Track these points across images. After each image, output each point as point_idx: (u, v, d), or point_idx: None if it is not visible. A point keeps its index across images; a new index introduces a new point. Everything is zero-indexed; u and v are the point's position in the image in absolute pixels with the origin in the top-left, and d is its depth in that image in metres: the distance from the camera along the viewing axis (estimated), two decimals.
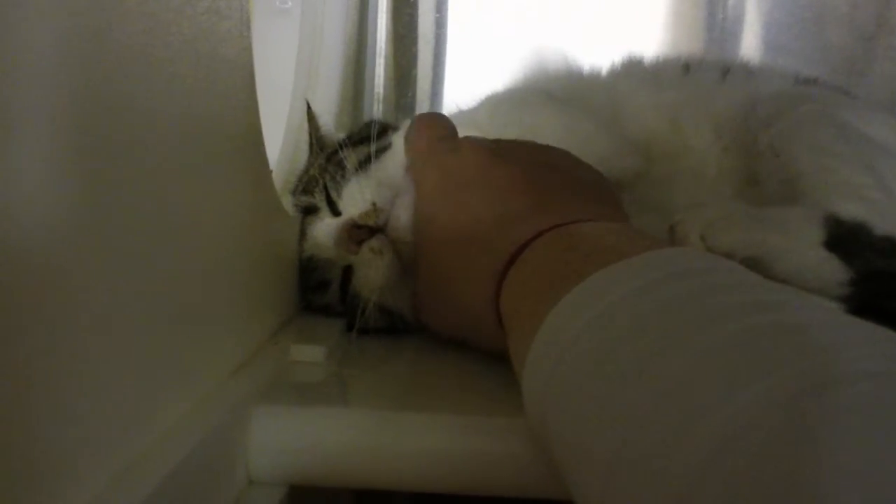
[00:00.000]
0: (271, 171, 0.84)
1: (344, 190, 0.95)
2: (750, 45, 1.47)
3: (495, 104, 1.14)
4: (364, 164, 0.96)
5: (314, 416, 0.67)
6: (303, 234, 0.95)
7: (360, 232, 0.90)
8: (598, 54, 1.22)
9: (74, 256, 0.42)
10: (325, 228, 0.94)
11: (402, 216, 0.90)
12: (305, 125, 1.05)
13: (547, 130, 1.04)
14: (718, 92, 1.13)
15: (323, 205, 0.95)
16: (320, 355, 0.79)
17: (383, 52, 1.47)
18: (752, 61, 1.32)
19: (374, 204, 0.91)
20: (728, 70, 1.16)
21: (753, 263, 0.81)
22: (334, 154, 0.99)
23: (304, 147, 1.05)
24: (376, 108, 1.47)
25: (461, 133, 1.05)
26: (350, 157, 0.96)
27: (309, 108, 1.01)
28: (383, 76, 1.47)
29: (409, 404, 0.75)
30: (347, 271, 0.93)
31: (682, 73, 1.17)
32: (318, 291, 0.95)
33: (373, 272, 0.91)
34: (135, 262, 0.49)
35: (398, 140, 0.96)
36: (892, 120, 1.18)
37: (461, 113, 1.20)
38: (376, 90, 1.47)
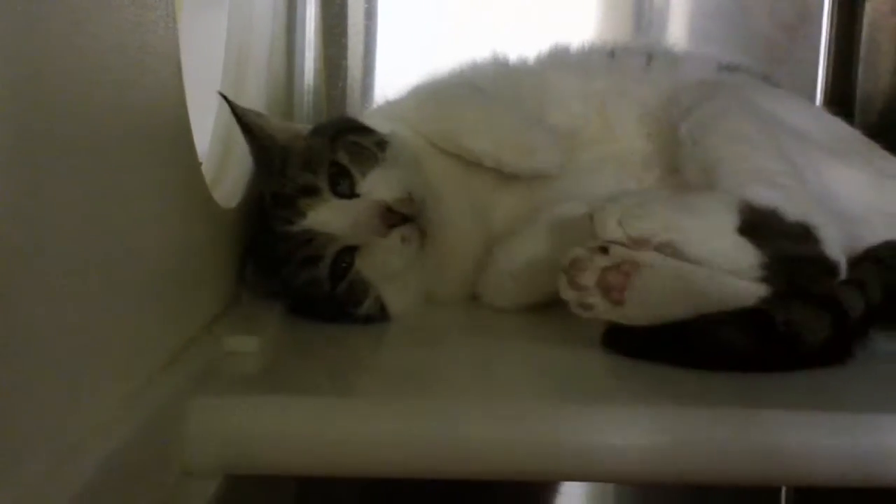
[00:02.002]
0: (201, 164, 0.84)
1: (371, 174, 0.97)
2: (676, 33, 1.50)
3: (422, 96, 1.15)
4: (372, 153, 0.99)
5: (248, 406, 0.67)
6: (289, 208, 0.96)
7: (393, 216, 0.94)
8: (528, 43, 1.23)
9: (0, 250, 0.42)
10: (343, 206, 0.95)
11: (437, 214, 0.98)
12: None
13: (471, 124, 1.05)
14: (644, 79, 1.15)
15: (325, 185, 0.96)
16: (254, 345, 0.79)
17: (313, 44, 1.46)
18: (676, 48, 1.34)
19: (410, 193, 0.95)
20: (652, 57, 1.18)
21: (669, 248, 0.84)
22: (339, 137, 1.00)
23: (237, 140, 1.04)
24: (307, 100, 1.46)
25: (389, 124, 1.06)
26: (367, 143, 1.00)
27: (228, 101, 1.01)
28: (313, 68, 1.47)
29: (344, 391, 0.76)
30: (344, 252, 0.95)
31: (607, 61, 1.18)
32: (304, 266, 0.95)
33: (395, 258, 0.96)
34: (63, 255, 0.49)
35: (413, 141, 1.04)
36: (809, 107, 1.21)
37: (389, 104, 1.21)
38: (307, 82, 1.46)
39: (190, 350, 0.74)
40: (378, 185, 0.97)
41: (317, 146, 1.00)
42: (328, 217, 0.95)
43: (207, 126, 1.08)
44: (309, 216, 0.95)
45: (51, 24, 0.47)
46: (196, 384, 0.68)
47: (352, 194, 0.97)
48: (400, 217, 0.95)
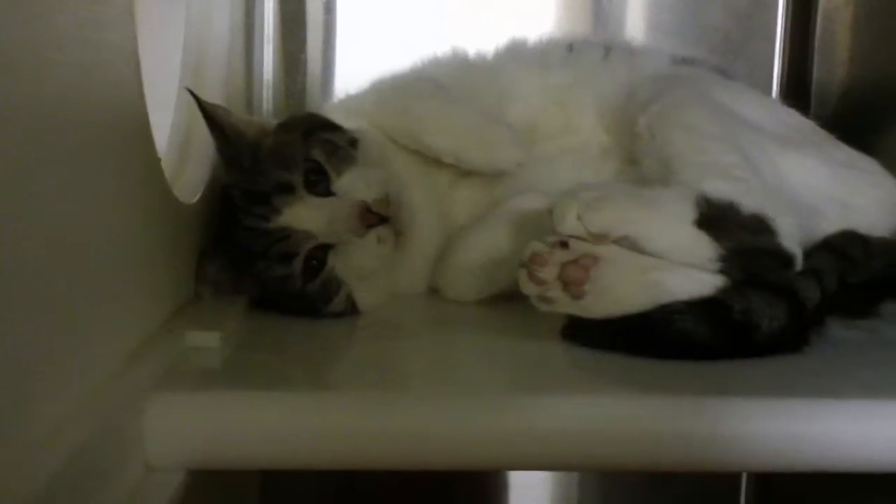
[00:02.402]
0: (160, 159, 0.84)
1: (347, 173, 0.98)
2: (634, 27, 1.51)
3: (382, 92, 1.16)
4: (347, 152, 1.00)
5: (210, 401, 0.68)
6: (264, 205, 0.96)
7: (371, 217, 0.95)
8: (487, 37, 1.23)
9: None
10: (320, 204, 0.96)
11: (411, 214, 1.00)
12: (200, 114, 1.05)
13: (431, 121, 1.06)
14: (601, 72, 1.16)
15: (300, 182, 0.96)
16: (216, 341, 0.79)
17: (272, 38, 1.46)
18: (633, 42, 1.35)
19: (387, 194, 0.97)
20: (610, 50, 1.19)
21: (628, 242, 0.84)
22: (313, 134, 1.00)
23: (197, 134, 1.04)
24: (266, 95, 1.46)
25: (349, 119, 1.06)
26: (340, 142, 1.00)
27: (195, 96, 1.01)
28: (272, 62, 1.46)
29: (307, 385, 0.76)
30: (317, 249, 0.96)
31: (565, 55, 1.19)
32: (278, 263, 0.96)
33: (370, 259, 0.98)
34: (18, 249, 0.49)
35: (383, 143, 1.05)
36: (764, 99, 1.23)
37: (349, 99, 1.21)
38: (266, 76, 1.45)
39: (151, 346, 0.74)
40: (356, 185, 0.98)
41: (290, 143, 1.00)
42: (305, 215, 0.95)
43: (166, 121, 1.07)
44: (285, 213, 0.95)
45: (4, 17, 0.46)
46: (158, 380, 0.68)
47: (327, 192, 0.97)
48: (378, 218, 0.96)
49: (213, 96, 1.08)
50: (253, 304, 0.97)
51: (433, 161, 1.07)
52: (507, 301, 0.98)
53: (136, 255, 0.72)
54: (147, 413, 0.64)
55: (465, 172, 1.09)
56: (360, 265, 0.98)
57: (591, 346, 0.84)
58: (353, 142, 1.02)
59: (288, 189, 0.96)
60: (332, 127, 1.04)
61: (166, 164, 0.93)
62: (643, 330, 0.82)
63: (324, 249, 0.96)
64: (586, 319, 0.84)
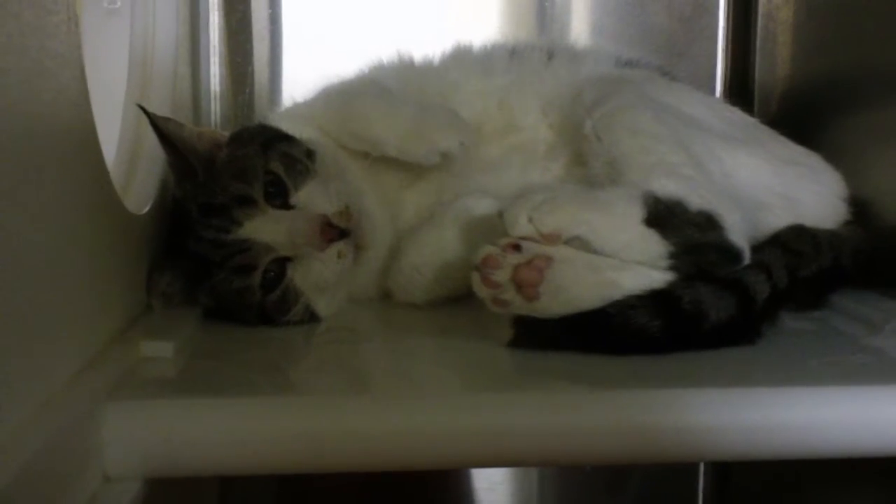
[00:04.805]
0: (108, 170, 0.83)
1: (306, 186, 0.98)
2: (578, 30, 1.52)
3: (329, 98, 1.16)
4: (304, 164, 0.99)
5: (166, 409, 0.67)
6: (223, 217, 0.95)
7: (332, 231, 0.95)
8: (432, 43, 1.24)
9: None
10: (281, 217, 0.96)
11: (371, 226, 1.00)
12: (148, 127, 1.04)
13: (374, 118, 1.06)
14: (545, 74, 1.17)
15: (260, 195, 0.96)
16: (170, 350, 0.79)
17: (218, 50, 1.45)
18: (577, 44, 1.37)
19: (347, 207, 0.97)
20: (553, 53, 1.20)
21: (579, 242, 0.85)
22: (270, 146, 1.00)
23: (146, 145, 1.03)
24: (214, 106, 1.45)
25: (298, 127, 1.06)
26: (298, 154, 1.00)
27: (146, 111, 1.00)
28: (219, 73, 1.46)
29: (262, 392, 0.76)
30: (274, 262, 0.96)
31: (508, 58, 1.20)
32: (237, 274, 0.95)
33: (328, 272, 0.97)
34: None
35: (335, 151, 1.05)
36: (708, 99, 1.24)
37: (297, 107, 1.21)
38: (213, 88, 1.45)
39: (104, 356, 0.73)
40: (316, 198, 0.98)
41: (248, 156, 0.99)
42: (266, 227, 0.95)
43: (114, 133, 1.07)
44: (246, 225, 0.95)
45: None
46: (112, 389, 0.68)
47: (286, 206, 0.97)
48: (338, 232, 0.96)
49: (160, 108, 1.07)
50: (207, 315, 0.97)
51: (382, 165, 1.08)
52: (456, 304, 1.00)
53: (85, 265, 0.72)
54: (103, 423, 0.64)
55: (414, 175, 1.09)
56: (319, 278, 0.97)
57: (543, 347, 0.84)
58: (310, 153, 1.02)
59: (248, 201, 0.96)
60: (288, 139, 1.04)
61: (115, 176, 0.93)
62: (598, 327, 0.83)
63: (282, 262, 0.96)
64: (533, 325, 0.84)
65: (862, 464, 0.77)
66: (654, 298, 0.83)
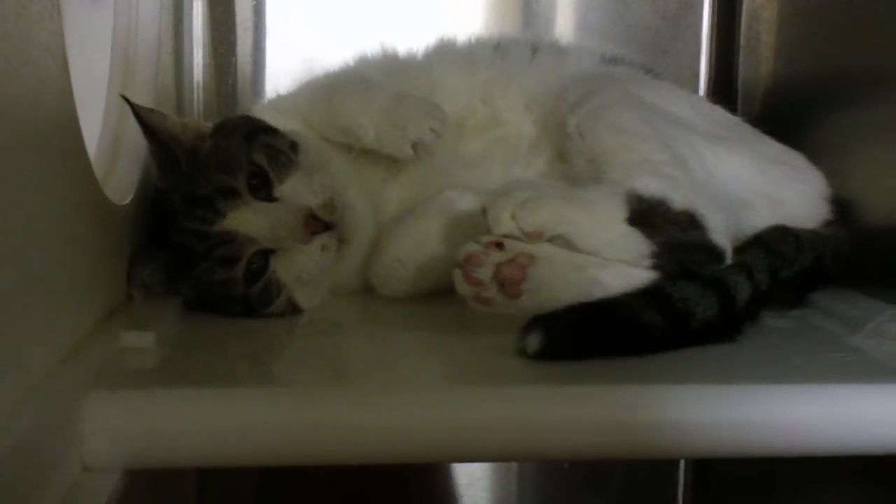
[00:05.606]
0: (90, 161, 0.82)
1: (290, 178, 0.98)
2: (563, 26, 1.52)
3: (313, 90, 1.15)
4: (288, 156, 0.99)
5: (147, 400, 0.67)
6: (207, 208, 0.95)
7: (316, 224, 0.95)
8: (417, 36, 1.24)
9: None
10: (265, 209, 0.96)
11: (354, 219, 1.00)
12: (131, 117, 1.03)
13: (353, 107, 1.06)
14: (529, 69, 1.17)
15: (244, 187, 0.96)
16: (150, 341, 0.79)
17: (201, 41, 1.45)
18: (561, 41, 1.37)
19: (332, 200, 0.97)
20: (537, 49, 1.20)
21: (562, 241, 0.85)
22: (254, 138, 1.00)
23: (128, 135, 1.03)
24: (197, 97, 1.44)
25: (281, 119, 1.06)
26: (281, 146, 0.99)
27: (129, 102, 0.99)
28: (202, 64, 1.45)
29: (243, 382, 0.76)
30: (258, 254, 0.95)
31: (492, 53, 1.20)
32: (220, 266, 0.95)
33: (311, 265, 0.97)
34: None
35: (319, 144, 1.05)
36: (692, 98, 1.25)
37: (280, 99, 1.20)
38: (196, 79, 1.44)
39: (85, 346, 0.73)
40: (300, 191, 0.97)
41: (231, 147, 0.99)
42: (250, 219, 0.95)
43: (97, 123, 1.06)
44: (229, 217, 0.95)
45: None
46: (93, 380, 0.67)
47: (270, 198, 0.97)
48: (322, 225, 0.96)
49: (143, 98, 1.07)
50: (188, 306, 0.96)
51: (366, 158, 1.08)
52: (438, 298, 0.99)
53: (66, 255, 0.71)
54: (83, 413, 0.64)
55: (397, 168, 1.09)
56: (303, 271, 0.97)
57: (573, 358, 0.80)
58: (294, 146, 1.01)
59: (232, 193, 0.95)
60: (272, 130, 1.03)
61: (97, 166, 0.92)
62: (612, 329, 0.82)
63: (265, 254, 0.96)
64: (564, 332, 0.80)
65: (841, 460, 0.78)
66: (651, 296, 0.84)
